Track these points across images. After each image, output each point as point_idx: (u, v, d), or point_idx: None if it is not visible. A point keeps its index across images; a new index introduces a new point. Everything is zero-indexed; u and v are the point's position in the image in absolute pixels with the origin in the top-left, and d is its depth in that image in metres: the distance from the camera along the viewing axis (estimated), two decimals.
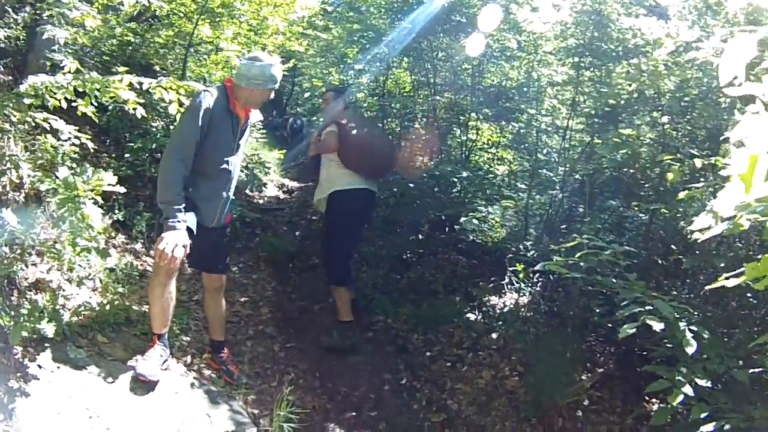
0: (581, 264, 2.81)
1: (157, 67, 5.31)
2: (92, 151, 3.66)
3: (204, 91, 2.92)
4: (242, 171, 6.26)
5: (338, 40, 5.88)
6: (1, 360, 2.45)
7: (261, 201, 7.07)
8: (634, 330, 2.30)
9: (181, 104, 3.41)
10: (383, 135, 4.59)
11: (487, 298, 4.51)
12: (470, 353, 4.01)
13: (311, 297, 5.08)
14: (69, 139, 3.34)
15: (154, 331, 3.03)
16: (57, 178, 2.58)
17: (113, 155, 4.52)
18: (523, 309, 4.20)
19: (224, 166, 3.03)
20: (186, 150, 2.81)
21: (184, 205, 2.77)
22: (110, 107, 4.23)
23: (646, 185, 3.24)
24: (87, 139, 3.37)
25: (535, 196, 4.56)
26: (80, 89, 2.92)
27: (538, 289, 4.21)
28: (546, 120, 4.68)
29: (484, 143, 5.53)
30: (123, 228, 4.25)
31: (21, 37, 3.25)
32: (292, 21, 5.00)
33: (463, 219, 4.41)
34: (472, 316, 4.40)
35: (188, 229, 2.81)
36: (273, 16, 4.82)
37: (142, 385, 2.84)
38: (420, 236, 5.65)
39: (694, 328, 2.33)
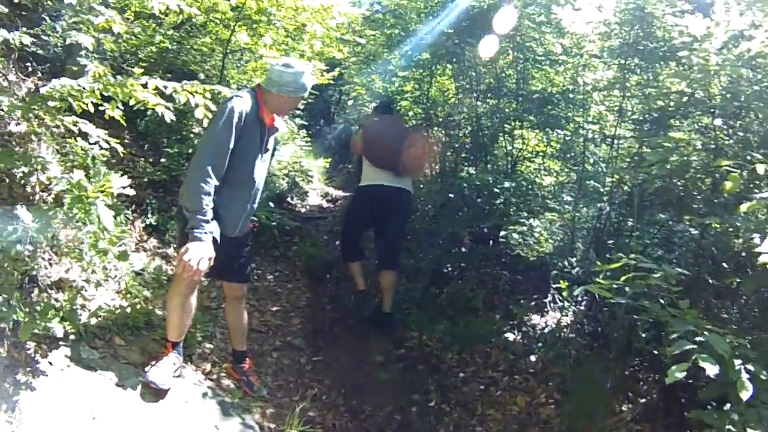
0: (626, 289, 2.50)
1: (202, 75, 5.39)
2: (122, 155, 3.68)
3: (236, 96, 2.79)
4: (283, 178, 6.27)
5: (380, 47, 5.79)
6: (12, 354, 2.45)
7: (303, 209, 7.05)
8: (683, 374, 1.98)
9: (207, 108, 3.40)
10: (406, 132, 4.58)
11: (528, 317, 4.22)
12: (506, 376, 3.73)
13: (346, 309, 4.95)
14: (98, 142, 3.38)
15: (169, 339, 2.97)
16: (71, 179, 2.57)
17: (150, 160, 4.59)
18: (565, 330, 3.89)
19: (252, 175, 2.92)
20: (220, 158, 2.69)
21: (210, 216, 2.66)
22: (149, 113, 4.30)
23: (698, 196, 2.89)
24: (116, 143, 3.39)
25: (582, 208, 4.24)
26: (105, 93, 2.95)
27: (582, 308, 3.90)
28: (593, 128, 4.36)
29: (530, 153, 5.25)
30: (155, 232, 4.28)
31: (59, 44, 3.34)
32: (331, 27, 4.93)
33: (504, 232, 4.16)
34: (511, 336, 4.13)
35: (213, 240, 2.71)
36: (311, 22, 4.77)
37: (153, 392, 2.77)
38: (462, 248, 5.42)
39: (750, 367, 1.98)
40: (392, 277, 4.44)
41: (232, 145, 2.70)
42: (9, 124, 3.21)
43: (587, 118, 4.45)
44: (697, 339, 2.03)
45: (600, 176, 4.23)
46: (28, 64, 3.63)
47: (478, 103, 4.87)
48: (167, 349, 2.95)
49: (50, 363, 2.57)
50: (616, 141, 4.16)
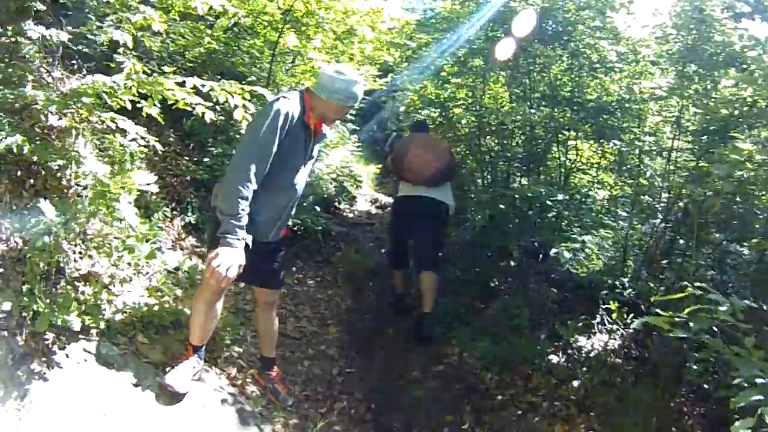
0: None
1: (253, 77, 5.43)
2: (162, 152, 3.71)
3: (282, 97, 2.64)
4: (331, 183, 6.22)
5: (433, 52, 5.63)
6: (30, 343, 2.46)
7: (351, 215, 6.98)
8: None
9: (246, 109, 3.36)
10: (435, 147, 4.68)
11: (574, 339, 3.92)
12: (545, 402, 3.46)
13: (386, 319, 4.81)
14: (135, 139, 3.41)
15: (191, 342, 2.91)
16: (96, 174, 2.57)
17: (195, 159, 4.64)
18: (611, 354, 3.58)
19: (292, 181, 2.79)
20: (262, 162, 2.55)
21: (245, 222, 2.53)
22: (194, 112, 4.33)
23: (761, 216, 2.54)
24: (155, 140, 3.43)
25: (636, 225, 3.91)
26: (141, 90, 2.96)
27: (630, 331, 3.57)
28: (649, 139, 4.01)
29: (584, 164, 4.92)
30: (194, 230, 4.30)
31: (104, 43, 3.41)
32: (381, 31, 4.83)
33: (554, 250, 3.90)
34: (555, 359, 3.85)
35: (245, 246, 2.59)
36: (361, 26, 4.69)
37: (169, 395, 2.72)
38: (512, 262, 5.16)
39: None
40: (431, 277, 4.34)
41: (275, 150, 2.57)
42: (49, 118, 3.32)
43: (643, 128, 4.11)
44: (759, 381, 1.72)
45: (655, 191, 3.88)
46: (74, 62, 3.76)
47: (532, 111, 4.62)
48: (188, 352, 2.90)
49: (67, 356, 2.56)
50: (673, 154, 3.81)
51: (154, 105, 3.13)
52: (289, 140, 2.64)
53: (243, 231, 2.52)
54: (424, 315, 4.30)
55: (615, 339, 3.81)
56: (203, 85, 3.14)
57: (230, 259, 2.46)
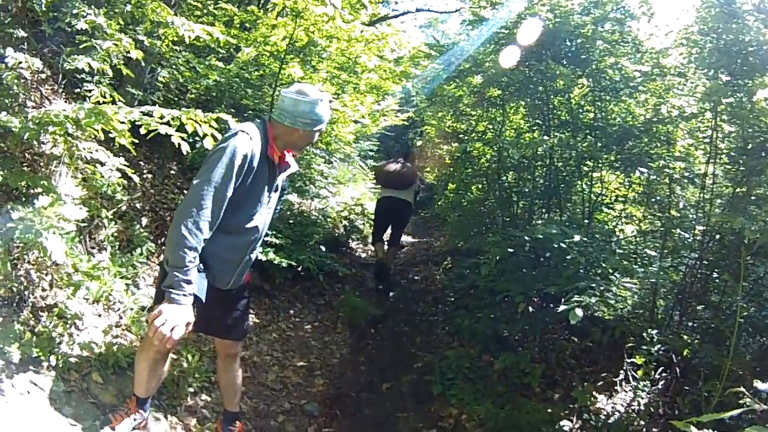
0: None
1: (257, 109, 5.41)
2: (139, 184, 3.64)
3: (241, 131, 2.34)
4: (341, 221, 6.05)
5: (449, 81, 5.46)
6: None
7: (363, 254, 6.76)
8: None
9: (215, 138, 3.23)
10: (400, 164, 6.41)
11: (593, 400, 3.50)
12: None
13: (383, 372, 4.48)
14: (112, 170, 3.35)
15: (134, 393, 2.68)
16: (33, 205, 2.46)
17: None
18: (636, 418, 3.13)
19: (252, 222, 2.52)
20: (216, 204, 2.26)
21: (193, 275, 2.25)
22: (197, 145, 4.26)
23: None
24: (132, 172, 3.36)
25: (667, 264, 3.49)
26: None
27: (659, 387, 3.14)
28: (680, 165, 3.61)
29: (610, 198, 4.56)
30: None
31: (82, 69, 3.43)
32: (388, 59, 4.72)
33: (563, 307, 3.52)
34: (567, 425, 3.41)
35: (196, 298, 2.31)
36: (366, 54, 4.59)
37: None
38: (531, 309, 4.77)
39: None
40: (393, 250, 6.69)
41: (230, 194, 2.31)
42: (42, 146, 3.32)
43: (673, 153, 3.75)
44: None
45: (688, 224, 3.48)
46: (77, 89, 3.80)
47: (553, 140, 4.33)
48: (131, 402, 2.68)
49: (13, 386, 2.43)
50: (707, 180, 3.42)
51: (123, 136, 3.07)
52: (250, 180, 2.39)
53: (190, 285, 2.23)
54: (386, 269, 6.36)
55: (641, 398, 3.37)
56: (171, 115, 3.06)
57: (175, 318, 2.17)
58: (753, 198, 3.00)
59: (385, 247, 6.58)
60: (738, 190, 3.13)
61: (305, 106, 2.44)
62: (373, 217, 6.72)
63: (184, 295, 2.19)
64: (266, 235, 2.90)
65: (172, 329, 2.15)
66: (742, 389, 1.70)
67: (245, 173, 2.33)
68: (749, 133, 2.75)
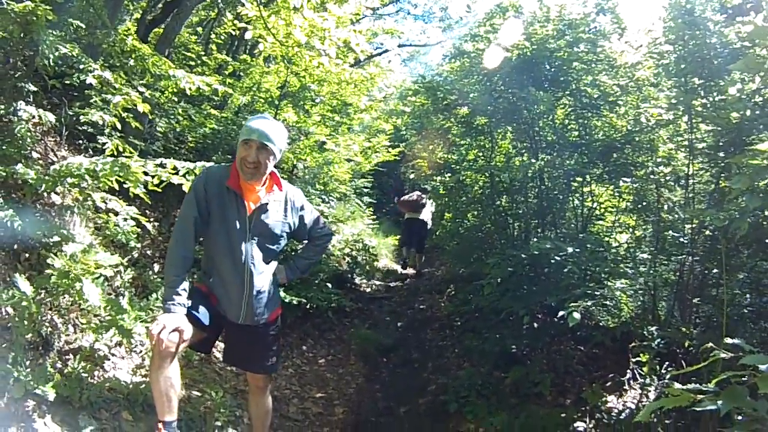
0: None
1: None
2: (151, 233, 3.91)
3: (205, 170, 2.85)
4: (344, 257, 6.33)
5: (437, 114, 5.84)
6: (9, 408, 2.56)
7: (368, 289, 7.00)
8: None
9: None
10: (413, 196, 8.94)
11: (603, 400, 3.72)
12: None
13: (399, 398, 4.67)
14: (126, 219, 3.63)
15: (158, 418, 2.91)
16: (65, 254, 2.75)
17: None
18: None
19: (238, 259, 2.77)
20: (184, 231, 2.70)
21: (183, 288, 2.64)
22: None
23: None
24: (146, 220, 3.65)
25: (663, 264, 3.79)
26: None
27: (666, 381, 3.37)
28: (664, 170, 3.94)
29: (601, 210, 4.89)
30: None
31: (95, 123, 3.71)
32: (377, 99, 5.11)
33: (561, 313, 3.80)
34: (581, 426, 3.62)
35: (194, 316, 2.68)
36: (356, 95, 4.98)
37: None
38: (535, 324, 5.02)
39: None
40: (419, 255, 9.36)
41: (197, 218, 2.69)
42: (53, 196, 3.61)
43: (656, 159, 4.08)
44: None
45: (678, 224, 3.79)
46: (80, 141, 4.11)
47: (540, 162, 4.68)
48: (159, 430, 2.90)
49: (45, 424, 2.60)
50: (690, 180, 3.75)
51: (139, 185, 3.38)
52: (219, 210, 2.73)
53: (180, 297, 2.61)
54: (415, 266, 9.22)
55: (649, 393, 3.59)
56: (183, 167, 3.39)
57: (168, 323, 2.53)
58: (726, 191, 3.29)
59: (412, 249, 9.29)
60: (715, 186, 3.45)
61: (246, 125, 2.78)
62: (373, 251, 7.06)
63: (174, 304, 2.59)
64: None
65: (168, 333, 2.52)
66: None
67: (207, 201, 2.72)
68: (719, 131, 3.06)
